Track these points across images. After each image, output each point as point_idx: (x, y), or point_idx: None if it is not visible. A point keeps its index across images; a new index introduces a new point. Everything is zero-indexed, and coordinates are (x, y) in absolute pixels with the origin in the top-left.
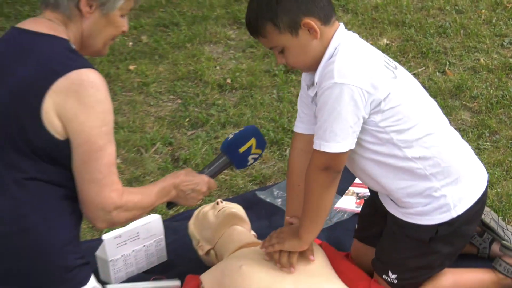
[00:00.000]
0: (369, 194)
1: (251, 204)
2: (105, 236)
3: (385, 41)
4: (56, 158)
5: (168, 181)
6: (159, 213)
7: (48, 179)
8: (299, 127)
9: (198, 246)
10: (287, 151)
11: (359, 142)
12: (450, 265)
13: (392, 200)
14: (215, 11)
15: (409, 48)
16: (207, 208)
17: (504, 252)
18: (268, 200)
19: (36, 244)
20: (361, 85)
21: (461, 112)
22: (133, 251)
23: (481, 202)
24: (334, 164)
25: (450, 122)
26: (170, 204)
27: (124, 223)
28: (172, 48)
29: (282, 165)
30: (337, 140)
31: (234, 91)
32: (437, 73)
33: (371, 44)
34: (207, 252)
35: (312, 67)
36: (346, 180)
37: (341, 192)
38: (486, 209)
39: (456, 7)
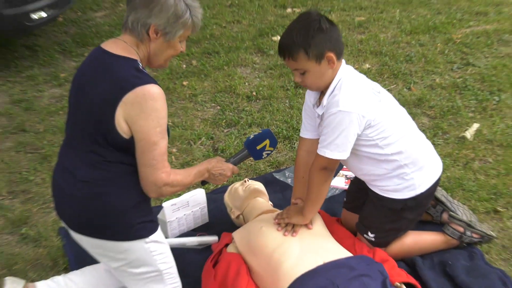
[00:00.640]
0: (354, 176)
1: (269, 182)
2: (164, 204)
3: (367, 65)
4: (124, 149)
5: (203, 166)
6: (202, 188)
7: (119, 161)
8: (305, 133)
9: (231, 212)
10: (296, 144)
11: (353, 146)
12: (412, 228)
13: (371, 181)
14: (244, 43)
15: (384, 71)
16: (237, 184)
17: (451, 220)
18: (281, 179)
19: (110, 205)
20: (359, 112)
21: (421, 117)
22: (184, 215)
23: (437, 183)
24: (331, 166)
25: None
26: (203, 182)
27: (170, 195)
28: (214, 69)
29: (292, 155)
30: (338, 150)
31: (258, 100)
32: (405, 89)
33: (357, 68)
34: (237, 216)
35: (320, 89)
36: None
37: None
38: (438, 188)
39: (419, 42)
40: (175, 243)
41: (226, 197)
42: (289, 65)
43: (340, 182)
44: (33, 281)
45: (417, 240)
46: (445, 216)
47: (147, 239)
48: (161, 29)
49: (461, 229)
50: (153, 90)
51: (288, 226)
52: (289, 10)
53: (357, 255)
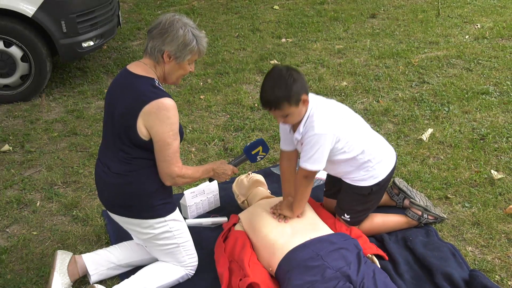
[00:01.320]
0: None
1: (268, 174)
2: (185, 192)
3: (344, 83)
4: (145, 148)
5: (209, 166)
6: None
7: (142, 157)
8: (284, 147)
9: (237, 198)
10: None
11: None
12: (378, 211)
13: (344, 175)
14: (248, 66)
15: (358, 87)
16: (242, 176)
17: (411, 205)
18: (277, 173)
19: (135, 191)
20: (331, 132)
21: (387, 124)
22: (200, 200)
23: (394, 168)
24: (311, 175)
25: (380, 130)
26: (210, 179)
27: (183, 185)
28: (224, 86)
29: None
30: (316, 163)
31: (259, 110)
32: (374, 101)
33: (336, 85)
34: (243, 202)
35: (297, 123)
36: None
37: None
38: (400, 179)
39: (385, 64)
40: (194, 222)
41: (234, 186)
42: (274, 113)
43: (323, 175)
44: (81, 253)
45: (385, 220)
46: (406, 202)
47: (166, 218)
48: (173, 54)
49: (419, 213)
50: (166, 102)
51: (281, 216)
52: (283, 40)
53: (337, 232)
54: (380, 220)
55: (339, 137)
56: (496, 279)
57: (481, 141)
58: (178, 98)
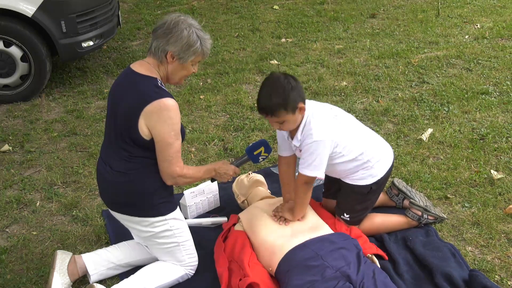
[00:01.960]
0: None
1: (268, 174)
2: (185, 192)
3: (344, 83)
4: (146, 147)
5: (211, 166)
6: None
7: (144, 156)
8: (282, 153)
9: (237, 198)
10: None
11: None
12: (378, 211)
13: (343, 175)
14: (248, 66)
15: (358, 87)
16: (243, 176)
17: (411, 205)
18: (277, 172)
19: (137, 189)
20: (329, 138)
21: (387, 124)
22: (200, 200)
23: (392, 166)
24: (311, 181)
25: (380, 130)
26: (212, 179)
27: (184, 185)
28: (224, 86)
29: None
30: (316, 169)
31: None
32: (374, 101)
33: (336, 85)
34: (243, 202)
35: (294, 130)
36: None
37: None
38: (399, 180)
39: (385, 64)
40: (194, 222)
41: (234, 186)
42: (270, 120)
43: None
44: (81, 253)
45: (385, 221)
46: (406, 202)
47: (167, 216)
48: (176, 55)
49: (419, 213)
50: (168, 103)
51: (281, 218)
52: (283, 40)
53: (336, 232)
54: (380, 220)
55: (337, 142)
56: (496, 279)
57: (481, 141)
58: (178, 98)
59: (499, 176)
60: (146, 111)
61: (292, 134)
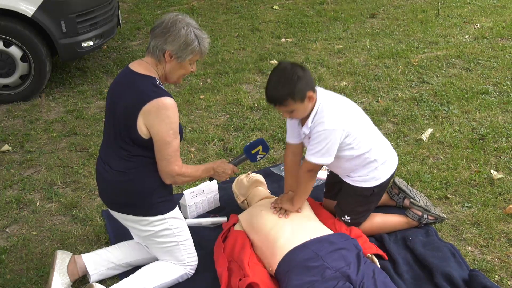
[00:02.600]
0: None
1: (267, 174)
2: (185, 192)
3: (344, 83)
4: (145, 146)
5: (210, 165)
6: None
7: (142, 155)
8: (290, 140)
9: (237, 198)
10: None
11: None
12: (378, 211)
13: (346, 175)
14: (248, 66)
15: (358, 87)
16: (242, 176)
17: (411, 205)
18: (277, 172)
19: (136, 188)
20: (341, 127)
21: (387, 124)
22: (200, 200)
23: (395, 171)
24: (316, 168)
25: (380, 130)
26: (211, 179)
27: (182, 184)
28: (224, 86)
29: None
30: (324, 157)
31: (258, 110)
32: (374, 101)
33: (336, 85)
34: (242, 202)
35: (305, 117)
36: None
37: None
38: (400, 179)
39: (385, 64)
40: (193, 222)
41: (234, 186)
42: (279, 109)
43: (323, 175)
44: (81, 253)
45: (385, 220)
46: (406, 202)
47: (166, 215)
48: (174, 54)
49: (420, 213)
50: (166, 101)
51: (282, 210)
52: (283, 40)
53: (336, 232)
54: (380, 220)
55: (348, 132)
56: (495, 279)
57: (481, 141)
58: (177, 98)
59: (499, 176)
60: (144, 110)
61: (303, 121)
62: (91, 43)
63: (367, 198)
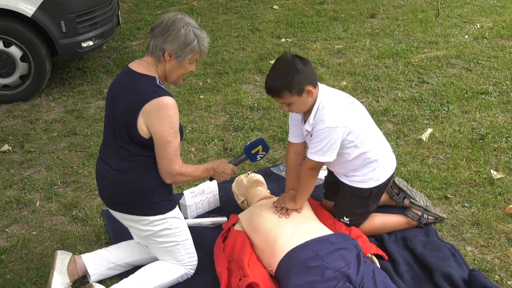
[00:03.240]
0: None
1: (267, 174)
2: (185, 192)
3: (344, 83)
4: (145, 145)
5: (210, 164)
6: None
7: (142, 154)
8: (292, 139)
9: (237, 198)
10: None
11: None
12: (378, 211)
13: (344, 174)
14: (248, 66)
15: (358, 87)
16: (242, 176)
17: (411, 205)
18: (277, 172)
19: (136, 188)
20: (342, 125)
21: (387, 124)
22: (200, 200)
23: (394, 173)
24: (318, 166)
25: (380, 129)
26: (211, 179)
27: (183, 183)
28: (224, 86)
29: (285, 153)
30: (325, 155)
31: (258, 110)
32: (374, 101)
33: (335, 85)
34: (242, 202)
35: (303, 112)
36: None
37: None
38: (400, 179)
39: (385, 64)
40: (193, 222)
41: (233, 186)
42: (277, 101)
43: (323, 175)
44: (80, 253)
45: (384, 221)
46: (406, 202)
47: (166, 215)
48: (174, 53)
49: (419, 213)
50: (166, 101)
51: (283, 210)
52: (283, 40)
53: (336, 232)
54: (380, 221)
55: (350, 129)
56: (495, 279)
57: (481, 141)
58: (177, 98)
59: (499, 176)
60: (145, 109)
61: (305, 118)
62: (91, 43)
63: (365, 199)
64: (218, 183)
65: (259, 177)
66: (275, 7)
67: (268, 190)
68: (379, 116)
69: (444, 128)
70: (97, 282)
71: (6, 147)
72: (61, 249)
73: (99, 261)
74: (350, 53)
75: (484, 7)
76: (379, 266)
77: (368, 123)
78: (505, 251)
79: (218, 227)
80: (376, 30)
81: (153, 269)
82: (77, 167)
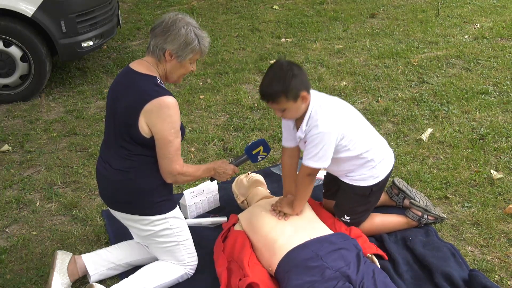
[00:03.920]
0: None
1: (267, 174)
2: (185, 192)
3: (344, 83)
4: (146, 145)
5: (211, 165)
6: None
7: (143, 154)
8: (286, 143)
9: (237, 198)
10: None
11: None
12: (378, 211)
13: (344, 174)
14: (248, 66)
15: (357, 87)
16: (242, 176)
17: (411, 205)
18: (277, 172)
19: (137, 187)
20: (336, 130)
21: (387, 124)
22: (200, 200)
23: (391, 170)
24: (314, 172)
25: (380, 130)
26: (211, 179)
27: (183, 183)
28: (224, 86)
29: None
30: (320, 161)
31: (258, 110)
32: (374, 101)
33: (335, 85)
34: (242, 202)
35: (297, 119)
36: None
37: None
38: (400, 179)
39: (385, 64)
40: (193, 222)
41: (233, 186)
42: (272, 106)
43: (322, 175)
44: (81, 253)
45: (384, 221)
46: (406, 202)
47: (166, 215)
48: (174, 53)
49: (419, 213)
50: (168, 100)
51: (281, 213)
52: (283, 40)
53: (336, 232)
54: (380, 221)
55: (343, 134)
56: (495, 279)
57: (481, 141)
58: (178, 98)
59: (499, 176)
60: (146, 109)
61: (298, 124)
62: (91, 43)
63: (366, 197)
64: (218, 183)
65: (259, 177)
66: (275, 7)
67: (268, 190)
68: (379, 116)
69: (444, 128)
70: (97, 282)
71: (6, 147)
72: (61, 249)
73: (99, 261)
74: (350, 53)
75: (484, 7)
76: (379, 266)
77: (360, 125)
78: (505, 251)
79: (218, 227)
80: (376, 30)
81: (153, 269)
82: (77, 167)
